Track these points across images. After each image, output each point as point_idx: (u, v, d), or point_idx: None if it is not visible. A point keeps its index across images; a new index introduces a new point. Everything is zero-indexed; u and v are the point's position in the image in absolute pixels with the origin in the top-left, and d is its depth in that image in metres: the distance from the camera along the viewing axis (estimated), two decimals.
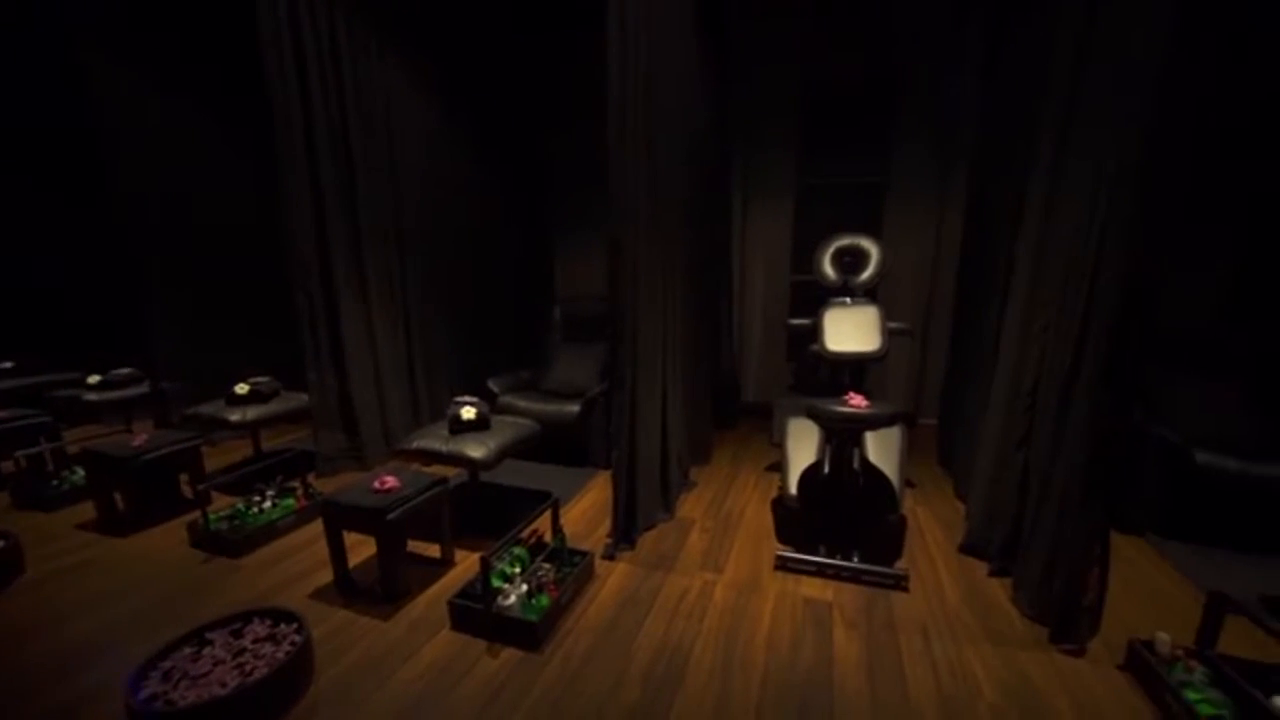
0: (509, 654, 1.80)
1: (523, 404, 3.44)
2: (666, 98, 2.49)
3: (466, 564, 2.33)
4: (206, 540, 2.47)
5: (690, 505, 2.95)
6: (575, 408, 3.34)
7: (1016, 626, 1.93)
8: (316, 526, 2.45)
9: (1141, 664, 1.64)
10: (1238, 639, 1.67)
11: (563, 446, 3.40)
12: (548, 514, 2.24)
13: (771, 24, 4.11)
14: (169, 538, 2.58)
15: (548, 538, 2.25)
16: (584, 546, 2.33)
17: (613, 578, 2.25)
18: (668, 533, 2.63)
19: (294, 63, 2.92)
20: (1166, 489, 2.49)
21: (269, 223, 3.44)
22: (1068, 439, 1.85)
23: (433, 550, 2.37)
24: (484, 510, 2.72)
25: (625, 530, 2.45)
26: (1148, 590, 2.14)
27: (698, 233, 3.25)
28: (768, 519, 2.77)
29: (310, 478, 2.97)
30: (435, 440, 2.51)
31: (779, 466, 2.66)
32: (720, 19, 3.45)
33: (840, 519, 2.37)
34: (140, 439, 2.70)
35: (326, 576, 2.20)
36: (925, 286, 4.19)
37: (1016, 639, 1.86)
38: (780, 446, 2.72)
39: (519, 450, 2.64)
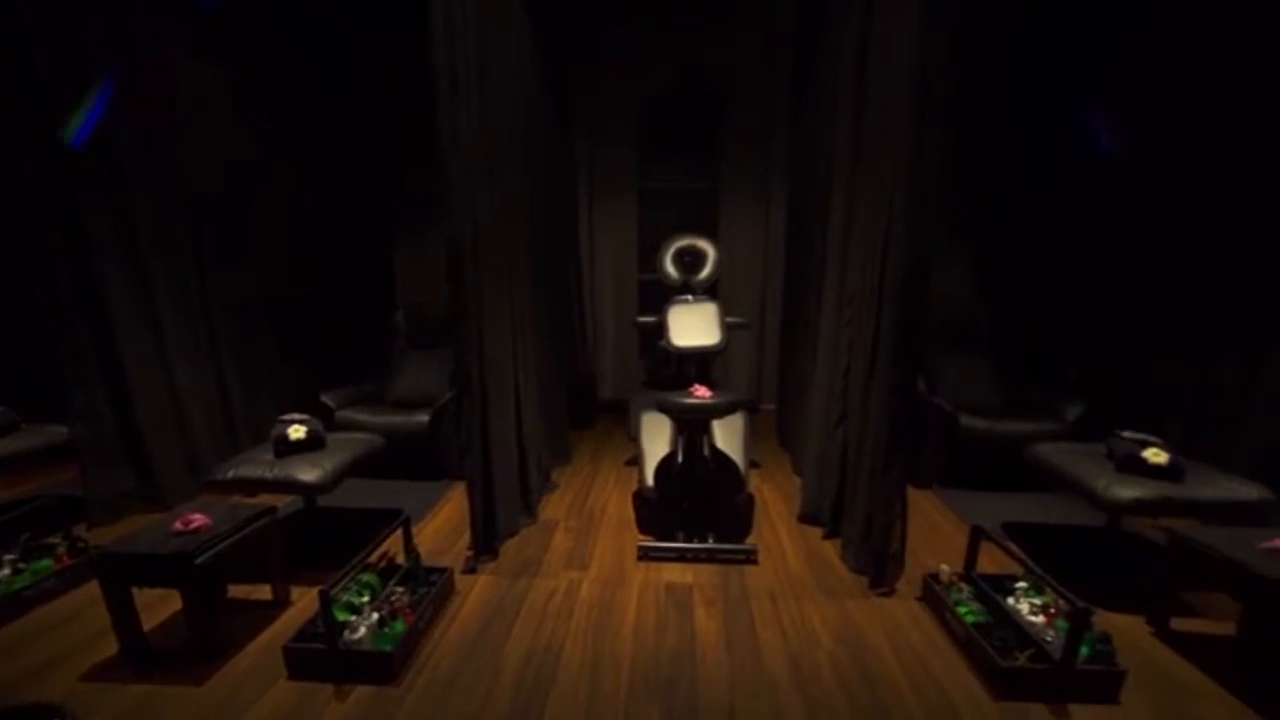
0: (361, 692, 1.63)
1: (364, 417, 3.14)
2: (502, 89, 2.42)
3: (306, 601, 2.06)
4: None
5: (553, 506, 2.93)
6: (424, 418, 3.13)
7: (845, 580, 2.23)
8: (92, 589, 1.97)
9: (931, 593, 2.02)
10: (992, 559, 2.11)
11: (413, 459, 3.17)
12: (399, 533, 2.08)
13: (606, 29, 4.23)
14: None
15: (400, 559, 2.08)
16: (443, 563, 2.20)
17: (475, 591, 2.16)
18: (531, 537, 2.59)
19: None
20: (944, 448, 3.06)
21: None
22: (872, 414, 2.18)
23: (262, 592, 2.06)
24: (325, 539, 2.43)
25: (486, 540, 2.37)
26: (936, 532, 2.61)
27: (545, 230, 3.22)
28: (629, 512, 2.86)
29: (79, 529, 2.41)
30: (258, 466, 2.20)
31: (637, 460, 2.76)
32: (554, 17, 3.44)
33: (695, 504, 2.53)
34: None
35: (109, 649, 1.78)
36: (759, 283, 4.63)
37: (845, 591, 2.15)
38: (636, 440, 2.83)
39: (362, 468, 2.41)
